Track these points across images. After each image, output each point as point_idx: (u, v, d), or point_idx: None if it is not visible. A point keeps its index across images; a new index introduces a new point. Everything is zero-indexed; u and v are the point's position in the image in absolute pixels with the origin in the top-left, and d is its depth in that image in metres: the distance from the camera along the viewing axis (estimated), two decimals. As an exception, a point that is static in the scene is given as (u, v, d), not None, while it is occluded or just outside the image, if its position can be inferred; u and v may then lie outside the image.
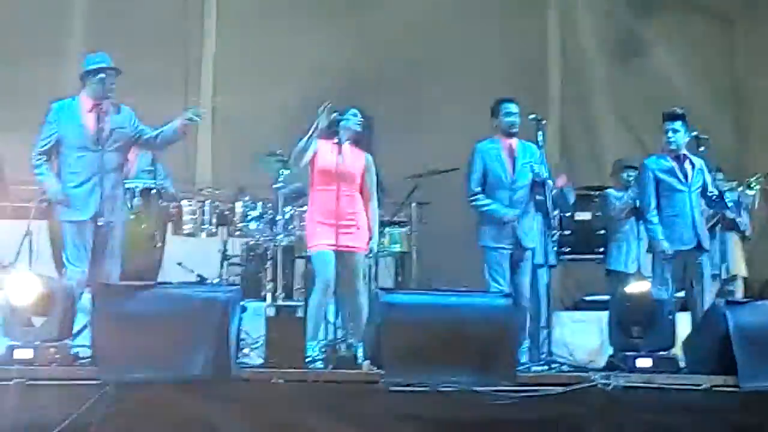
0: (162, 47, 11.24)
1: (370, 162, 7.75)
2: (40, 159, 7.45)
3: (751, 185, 9.23)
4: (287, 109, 10.10)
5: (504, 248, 8.05)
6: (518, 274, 8.05)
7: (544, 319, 8.13)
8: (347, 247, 7.48)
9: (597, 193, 9.78)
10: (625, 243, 9.31)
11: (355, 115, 7.72)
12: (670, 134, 8.27)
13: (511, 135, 8.17)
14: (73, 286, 7.03)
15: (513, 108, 8.21)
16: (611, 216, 9.38)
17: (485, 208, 8.09)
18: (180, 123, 7.61)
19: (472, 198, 8.17)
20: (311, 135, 7.49)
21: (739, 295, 9.44)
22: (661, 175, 8.26)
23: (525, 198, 8.06)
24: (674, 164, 8.25)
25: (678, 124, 8.25)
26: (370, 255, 7.84)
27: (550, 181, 8.08)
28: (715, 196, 8.26)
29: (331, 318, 7.71)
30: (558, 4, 12.18)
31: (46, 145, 7.44)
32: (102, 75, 7.42)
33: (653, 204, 8.25)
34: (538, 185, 8.02)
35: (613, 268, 9.32)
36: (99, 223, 7.27)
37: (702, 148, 8.24)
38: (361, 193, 7.69)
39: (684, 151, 8.26)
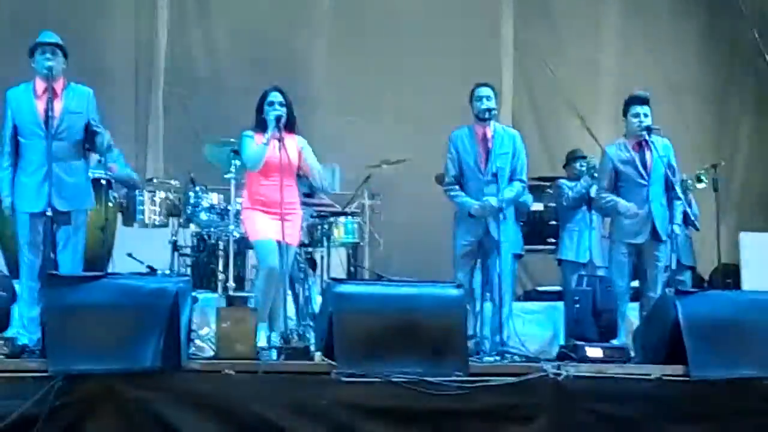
0: (113, 34, 11.15)
1: (303, 143, 7.73)
2: (6, 163, 7.24)
3: (701, 177, 9.29)
4: (239, 98, 10.03)
5: (470, 242, 8.04)
6: (487, 265, 8.04)
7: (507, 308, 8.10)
8: (286, 238, 7.47)
9: (549, 183, 9.80)
10: (577, 232, 9.34)
11: (280, 103, 7.62)
12: (641, 118, 8.16)
13: (485, 120, 8.13)
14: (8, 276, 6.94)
15: (486, 92, 8.15)
16: (564, 206, 9.40)
17: (456, 200, 8.07)
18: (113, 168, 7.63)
19: (445, 188, 8.15)
20: (267, 143, 7.47)
21: (688, 285, 9.50)
22: (621, 167, 8.24)
23: (500, 186, 7.95)
24: (635, 155, 8.22)
25: (647, 109, 8.22)
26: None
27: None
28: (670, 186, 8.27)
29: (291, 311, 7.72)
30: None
31: (7, 139, 7.23)
32: (44, 52, 7.20)
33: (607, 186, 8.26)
34: None
35: (565, 257, 9.35)
36: (47, 214, 7.01)
37: (651, 138, 8.25)
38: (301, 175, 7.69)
39: (646, 137, 8.20)
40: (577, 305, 7.44)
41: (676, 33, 12.20)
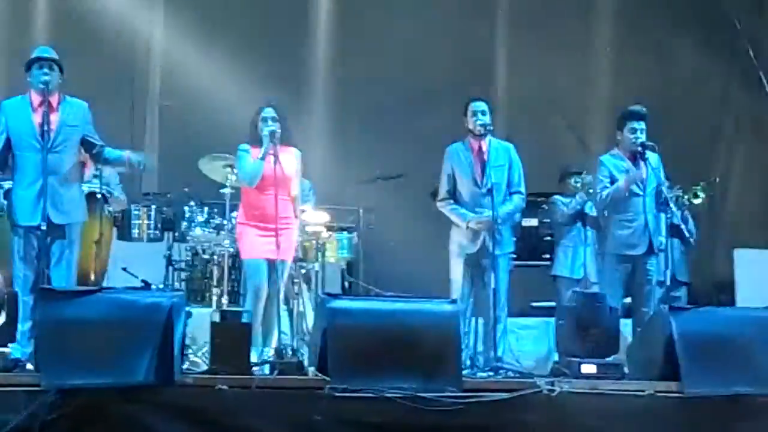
0: (108, 48, 11.17)
1: (299, 157, 7.76)
2: None
3: (697, 193, 9.30)
4: (235, 113, 10.04)
5: (468, 254, 8.04)
6: (484, 279, 8.04)
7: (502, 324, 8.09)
8: (280, 253, 7.48)
9: (544, 199, 9.81)
10: (571, 248, 9.36)
11: (273, 118, 7.68)
12: (637, 134, 8.22)
13: (480, 135, 8.14)
14: (16, 291, 6.92)
15: (481, 107, 8.17)
16: (559, 222, 9.41)
17: (454, 213, 8.08)
18: (127, 154, 7.53)
19: (441, 203, 8.15)
20: (263, 158, 7.49)
21: (683, 301, 9.50)
22: (618, 175, 8.26)
23: (496, 201, 7.95)
24: (630, 165, 8.25)
25: (643, 124, 8.26)
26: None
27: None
28: (661, 200, 8.29)
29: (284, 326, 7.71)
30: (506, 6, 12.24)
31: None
32: (41, 66, 7.22)
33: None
34: None
35: (560, 273, 9.36)
36: (42, 228, 7.03)
37: (647, 153, 8.26)
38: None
39: (640, 151, 8.22)
40: (562, 321, 7.42)
41: (670, 48, 12.21)
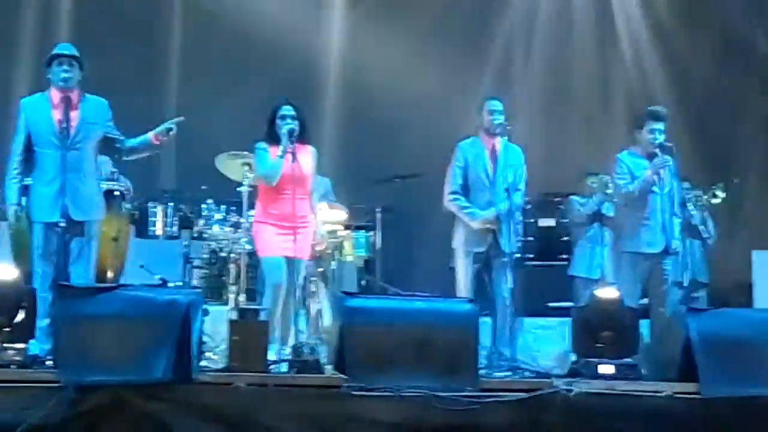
0: (128, 45, 11.20)
1: (315, 155, 7.78)
2: (15, 170, 7.27)
3: (716, 193, 9.27)
4: (253, 110, 10.06)
5: (476, 252, 8.04)
6: (496, 278, 8.03)
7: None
8: (297, 252, 7.51)
9: (561, 199, 9.80)
10: (589, 248, 9.35)
11: (292, 116, 7.67)
12: (656, 135, 8.20)
13: (494, 134, 8.13)
14: (35, 287, 6.95)
15: (497, 105, 8.17)
16: (576, 222, 9.39)
17: (464, 211, 8.06)
18: (152, 135, 7.49)
19: (452, 198, 8.14)
20: (282, 156, 7.49)
21: (704, 303, 9.47)
22: (636, 172, 8.24)
23: (504, 200, 7.98)
24: (648, 164, 8.22)
25: (662, 125, 8.24)
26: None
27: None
28: (679, 201, 8.27)
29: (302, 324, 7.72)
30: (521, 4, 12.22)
31: (20, 147, 7.27)
32: (60, 63, 7.26)
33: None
34: None
35: (577, 273, 9.34)
36: (62, 224, 7.08)
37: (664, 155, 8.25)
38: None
39: (658, 152, 8.20)
40: (578, 322, 7.40)
41: (689, 47, 12.17)
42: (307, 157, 7.69)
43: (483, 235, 8.05)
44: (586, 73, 12.07)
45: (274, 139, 7.66)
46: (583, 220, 9.28)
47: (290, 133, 7.55)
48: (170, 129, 7.49)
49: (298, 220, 7.49)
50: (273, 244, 7.57)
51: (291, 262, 7.58)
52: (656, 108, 8.42)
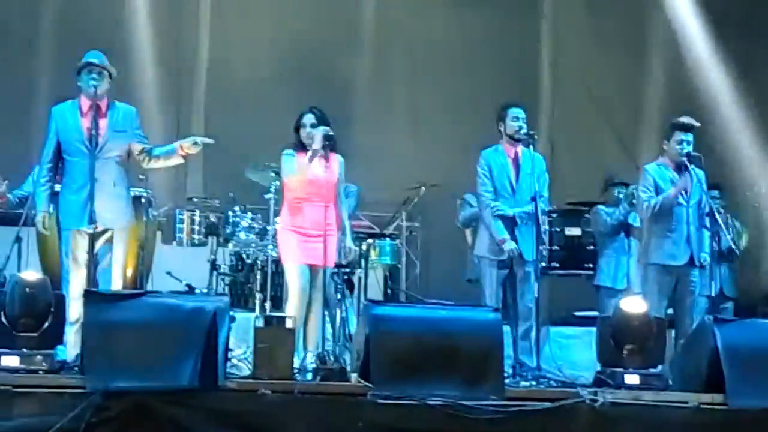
0: (155, 57, 11.25)
1: (342, 163, 7.76)
2: (44, 178, 7.35)
3: (741, 234, 9.28)
4: (280, 117, 10.09)
5: (500, 260, 8.04)
6: (520, 286, 8.04)
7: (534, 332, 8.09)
8: (322, 259, 7.51)
9: (587, 208, 9.78)
10: (614, 259, 9.31)
11: (313, 125, 7.64)
12: (683, 145, 8.20)
13: (516, 141, 8.14)
14: (64, 294, 6.99)
15: (519, 113, 8.17)
16: (601, 231, 9.37)
17: (493, 224, 8.04)
18: (179, 145, 7.52)
19: (489, 205, 8.11)
20: (312, 156, 7.49)
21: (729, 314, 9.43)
22: (662, 184, 8.22)
23: (526, 208, 7.98)
24: (675, 175, 8.22)
25: (690, 137, 8.24)
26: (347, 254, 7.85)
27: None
28: (705, 213, 8.25)
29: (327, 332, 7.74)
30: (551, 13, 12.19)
31: (49, 155, 7.33)
32: (90, 72, 7.31)
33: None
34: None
35: (602, 283, 9.31)
36: (89, 231, 7.13)
37: (692, 166, 8.23)
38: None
39: (686, 163, 8.22)
40: (603, 332, 7.38)
41: (715, 56, 12.11)
42: (334, 164, 7.70)
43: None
44: (616, 81, 12.03)
45: (301, 146, 7.67)
46: (608, 231, 9.25)
47: (326, 137, 7.53)
48: (196, 142, 7.50)
49: (323, 228, 7.49)
50: (297, 252, 7.57)
51: (316, 270, 7.59)
52: (684, 119, 8.40)
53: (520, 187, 8.08)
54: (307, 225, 7.53)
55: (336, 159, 7.73)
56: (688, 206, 8.17)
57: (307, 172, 7.54)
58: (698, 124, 8.43)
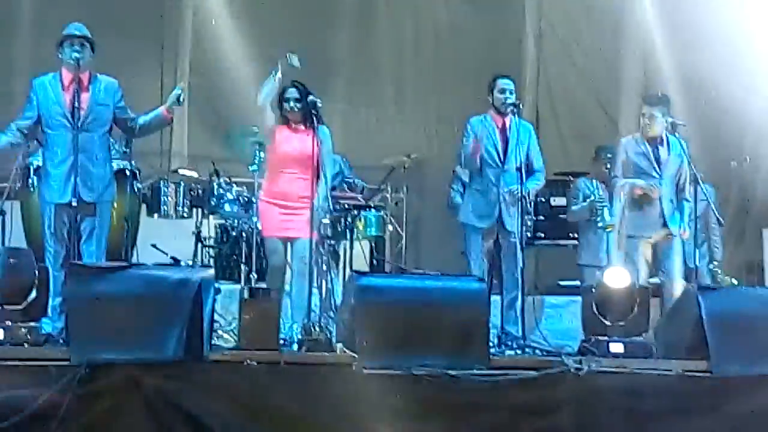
0: (138, 25, 11.18)
1: (323, 135, 7.74)
2: (10, 126, 7.31)
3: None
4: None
5: (483, 228, 8.07)
6: (505, 257, 8.06)
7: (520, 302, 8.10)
8: (298, 231, 7.56)
9: (572, 179, 9.77)
10: (594, 237, 9.29)
11: (296, 99, 7.69)
12: (647, 120, 8.23)
13: (504, 112, 8.14)
14: (47, 267, 6.98)
15: (507, 84, 8.19)
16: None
17: (453, 192, 8.07)
18: (163, 109, 7.51)
19: (459, 169, 8.15)
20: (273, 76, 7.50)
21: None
22: (634, 158, 8.24)
23: (515, 180, 7.96)
24: (649, 149, 8.24)
25: (657, 110, 8.24)
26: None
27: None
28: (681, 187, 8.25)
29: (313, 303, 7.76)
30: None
31: (23, 122, 7.30)
32: (72, 44, 7.27)
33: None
34: None
35: (584, 262, 9.31)
36: (74, 204, 7.09)
37: (677, 134, 8.24)
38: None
39: (663, 134, 8.23)
40: (587, 301, 7.40)
41: (702, 30, 12.08)
42: (318, 137, 7.67)
43: (489, 209, 8.05)
44: (600, 51, 12.00)
45: (284, 119, 7.69)
46: (572, 219, 9.28)
47: (292, 111, 7.63)
48: (179, 95, 7.48)
49: (300, 200, 7.53)
50: (275, 224, 7.64)
51: (295, 242, 7.60)
52: (651, 93, 8.45)
53: (508, 158, 8.09)
54: (284, 197, 7.57)
55: (321, 131, 7.71)
56: (662, 178, 8.18)
57: (288, 145, 7.56)
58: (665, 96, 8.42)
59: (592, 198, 8.89)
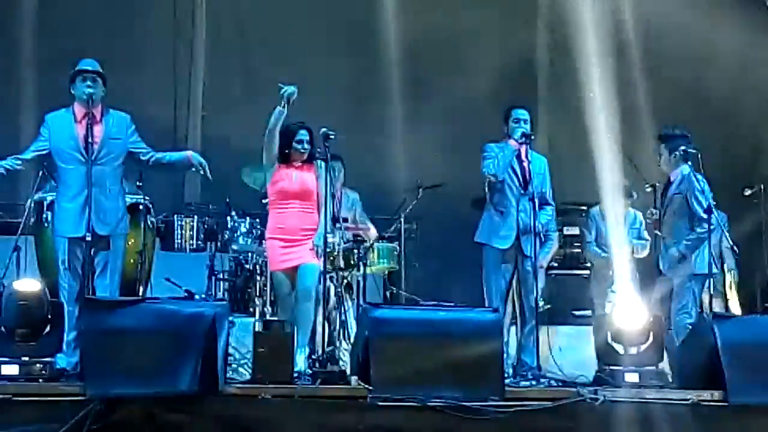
0: (152, 61, 11.25)
1: (321, 170, 7.76)
2: (17, 157, 7.35)
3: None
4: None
5: (501, 250, 8.05)
6: (522, 285, 8.08)
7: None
8: (305, 259, 7.60)
9: (586, 208, 9.77)
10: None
11: (308, 141, 7.75)
12: (658, 157, 8.34)
13: (520, 143, 8.16)
14: (62, 302, 6.99)
15: (521, 115, 8.21)
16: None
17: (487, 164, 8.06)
18: (190, 154, 7.65)
19: (492, 175, 8.11)
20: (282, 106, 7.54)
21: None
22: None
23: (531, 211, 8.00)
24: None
25: (662, 147, 8.28)
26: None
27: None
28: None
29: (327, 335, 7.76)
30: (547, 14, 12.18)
31: (29, 154, 7.35)
32: (84, 79, 7.33)
33: None
34: None
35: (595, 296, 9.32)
36: (87, 238, 7.10)
37: (689, 162, 8.21)
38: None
39: (671, 174, 8.27)
40: (598, 330, 7.38)
41: (711, 52, 12.09)
42: (312, 174, 7.71)
43: (508, 231, 8.05)
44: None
45: (284, 158, 7.71)
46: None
47: (299, 152, 7.68)
48: (204, 166, 7.58)
49: (301, 232, 7.57)
50: (277, 258, 7.68)
51: (298, 269, 7.60)
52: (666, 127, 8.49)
53: (529, 182, 8.11)
54: (287, 231, 7.61)
55: (319, 166, 7.74)
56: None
57: (288, 181, 7.65)
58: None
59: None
